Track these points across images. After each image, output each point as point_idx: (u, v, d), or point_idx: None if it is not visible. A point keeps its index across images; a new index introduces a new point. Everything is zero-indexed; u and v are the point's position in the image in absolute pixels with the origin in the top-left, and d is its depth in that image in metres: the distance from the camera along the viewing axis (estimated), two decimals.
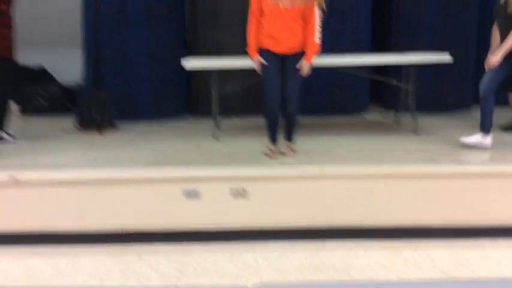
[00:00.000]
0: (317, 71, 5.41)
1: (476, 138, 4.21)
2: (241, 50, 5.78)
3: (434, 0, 5.87)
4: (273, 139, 4.11)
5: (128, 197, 3.62)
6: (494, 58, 4.12)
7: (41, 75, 7.40)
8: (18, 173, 3.62)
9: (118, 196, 3.62)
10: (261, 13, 3.91)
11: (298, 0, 3.78)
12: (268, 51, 3.93)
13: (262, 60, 3.95)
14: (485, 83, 4.17)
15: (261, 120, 4.18)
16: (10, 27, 4.53)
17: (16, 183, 3.56)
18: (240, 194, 3.57)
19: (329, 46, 5.50)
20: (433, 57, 5.00)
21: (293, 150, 4.12)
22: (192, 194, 3.60)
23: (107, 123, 5.29)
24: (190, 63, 5.00)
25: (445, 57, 4.90)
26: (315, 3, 3.83)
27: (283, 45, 3.88)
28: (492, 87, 4.16)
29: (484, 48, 4.90)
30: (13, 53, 4.59)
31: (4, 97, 4.66)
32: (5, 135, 4.63)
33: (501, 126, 4.78)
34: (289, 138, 4.15)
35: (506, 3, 4.12)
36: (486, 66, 4.21)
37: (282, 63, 3.93)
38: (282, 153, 4.08)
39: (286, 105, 3.98)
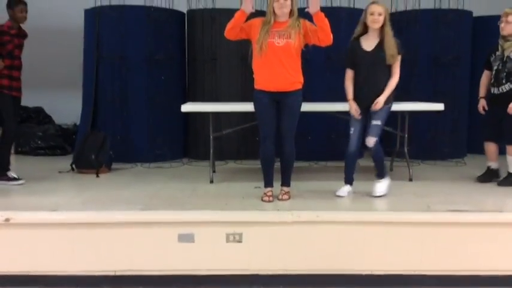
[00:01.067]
0: (313, 117, 5.53)
1: (383, 186, 4.18)
2: (238, 96, 5.92)
3: (426, 52, 6.05)
4: (269, 182, 4.11)
5: (122, 240, 3.58)
6: (378, 105, 3.99)
7: (39, 116, 7.48)
8: (11, 214, 3.58)
9: (112, 239, 3.57)
10: (243, 29, 3.93)
11: (292, 37, 3.84)
12: (263, 92, 3.95)
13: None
14: (377, 141, 4.07)
15: (256, 165, 4.20)
16: (20, 69, 4.72)
17: (8, 224, 3.52)
18: (235, 238, 3.55)
19: (324, 96, 5.64)
20: (425, 106, 5.12)
21: (289, 195, 4.12)
22: (186, 238, 3.57)
23: (103, 165, 5.29)
24: (190, 107, 5.08)
25: (437, 106, 5.00)
26: (303, 26, 3.87)
27: (277, 82, 3.89)
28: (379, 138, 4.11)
29: (476, 99, 5.02)
30: (22, 94, 4.78)
31: (13, 136, 4.76)
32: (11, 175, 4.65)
33: (478, 178, 4.76)
34: (285, 182, 4.15)
35: (377, 50, 3.99)
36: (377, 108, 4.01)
37: (278, 104, 3.97)
38: (277, 198, 4.07)
39: (282, 145, 4.02)
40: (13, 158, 6.23)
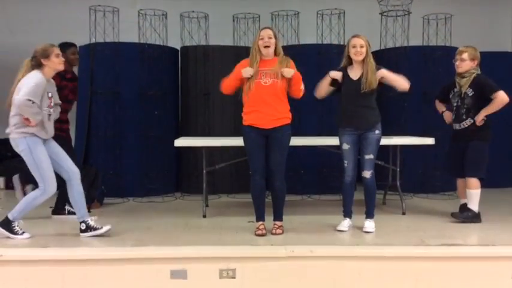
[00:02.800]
0: (305, 151, 5.56)
1: (373, 224, 4.22)
2: (231, 131, 5.97)
3: (416, 88, 6.13)
4: (260, 216, 4.11)
5: (113, 277, 3.52)
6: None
7: None
8: (2, 250, 3.54)
9: (103, 276, 3.52)
10: (238, 81, 4.05)
11: (279, 77, 3.95)
12: (251, 127, 4.03)
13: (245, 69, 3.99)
14: (372, 173, 4.18)
15: (250, 198, 4.20)
16: (68, 112, 4.86)
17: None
18: (228, 274, 3.51)
19: (316, 130, 5.70)
20: (417, 140, 5.18)
21: (282, 229, 4.10)
22: (179, 275, 3.52)
23: (95, 200, 5.25)
24: (183, 141, 5.10)
25: (428, 140, 5.07)
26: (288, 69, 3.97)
27: (265, 119, 3.98)
28: None
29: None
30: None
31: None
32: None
33: (453, 214, 4.63)
34: (277, 216, 4.14)
35: (361, 80, 4.08)
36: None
37: (267, 139, 4.03)
38: (271, 233, 4.05)
39: (272, 180, 4.04)
40: (3, 194, 6.21)
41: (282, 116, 4.02)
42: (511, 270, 3.57)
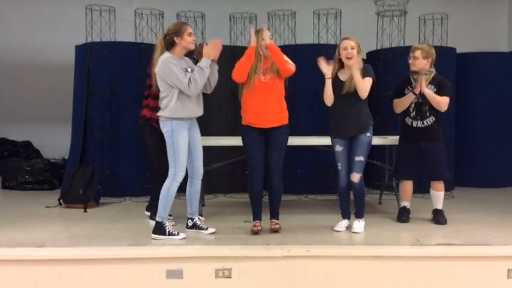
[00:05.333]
0: (301, 151, 5.57)
1: (361, 224, 4.19)
2: (228, 130, 5.97)
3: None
4: (257, 215, 4.11)
5: (109, 277, 3.52)
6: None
7: (27, 150, 7.44)
8: None
9: (99, 275, 3.51)
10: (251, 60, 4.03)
11: (275, 72, 4.00)
12: (250, 127, 4.06)
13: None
14: (361, 177, 4.11)
15: (246, 198, 4.20)
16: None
17: None
18: (224, 274, 3.51)
19: (313, 130, 5.70)
20: None
21: (278, 228, 4.11)
22: (175, 274, 3.52)
23: (91, 199, 5.25)
24: None
25: None
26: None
27: (263, 117, 4.01)
28: None
29: (464, 134, 5.06)
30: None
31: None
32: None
33: (401, 220, 4.56)
34: (274, 215, 4.15)
35: (344, 82, 4.07)
36: None
37: (266, 138, 4.05)
38: (269, 229, 4.06)
39: (270, 178, 4.06)
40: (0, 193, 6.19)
41: (281, 114, 4.05)
42: (506, 270, 3.58)
